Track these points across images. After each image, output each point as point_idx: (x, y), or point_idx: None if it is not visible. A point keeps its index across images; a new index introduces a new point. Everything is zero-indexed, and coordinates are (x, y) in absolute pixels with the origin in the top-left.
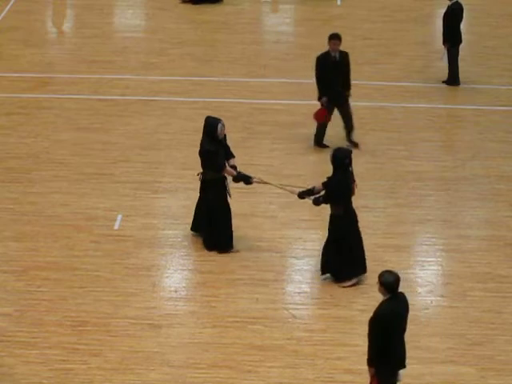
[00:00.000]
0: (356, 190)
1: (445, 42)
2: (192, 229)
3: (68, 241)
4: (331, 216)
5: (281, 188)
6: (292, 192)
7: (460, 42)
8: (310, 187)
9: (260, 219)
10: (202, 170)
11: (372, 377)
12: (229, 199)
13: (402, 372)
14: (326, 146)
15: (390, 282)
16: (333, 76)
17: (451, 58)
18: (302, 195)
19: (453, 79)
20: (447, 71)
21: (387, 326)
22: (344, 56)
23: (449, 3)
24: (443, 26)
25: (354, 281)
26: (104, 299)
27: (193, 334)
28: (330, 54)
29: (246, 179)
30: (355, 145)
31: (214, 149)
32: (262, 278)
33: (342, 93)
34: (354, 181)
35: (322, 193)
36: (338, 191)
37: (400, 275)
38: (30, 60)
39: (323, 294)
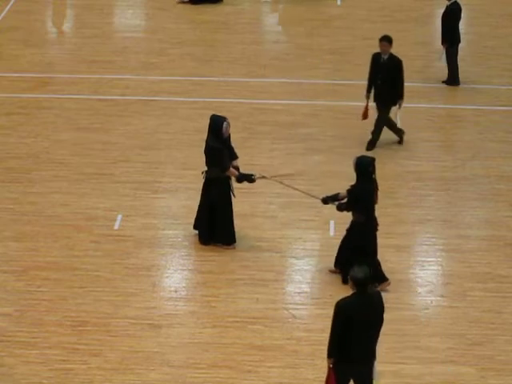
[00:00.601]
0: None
1: (443, 42)
2: (194, 227)
3: (68, 241)
4: (352, 222)
5: (305, 193)
6: (315, 197)
7: (459, 41)
8: (334, 193)
9: (260, 219)
10: (206, 169)
11: (328, 368)
12: (233, 198)
13: (377, 370)
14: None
15: (357, 278)
16: (378, 77)
17: (450, 58)
18: (327, 201)
19: (452, 79)
20: (447, 71)
21: (343, 319)
22: (394, 61)
23: (447, 3)
24: (442, 26)
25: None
26: (104, 299)
27: (193, 334)
28: (380, 55)
29: (248, 178)
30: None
31: (220, 147)
32: (262, 278)
33: (386, 96)
34: (378, 189)
35: (346, 200)
36: (360, 199)
37: (400, 275)
38: (30, 60)
39: (323, 294)
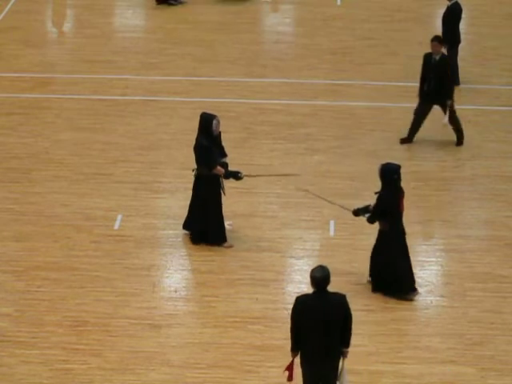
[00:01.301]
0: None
1: (444, 42)
2: (184, 227)
3: (68, 241)
4: (379, 231)
5: (338, 205)
6: (347, 209)
7: (459, 42)
8: (365, 205)
9: (260, 219)
10: (195, 166)
11: (290, 362)
12: (223, 196)
13: (345, 373)
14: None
15: (315, 277)
16: (429, 77)
17: (451, 59)
18: (358, 213)
19: (452, 79)
20: None
21: (294, 317)
22: (445, 61)
23: (448, 3)
24: (442, 26)
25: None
26: (104, 299)
27: (193, 334)
28: (431, 55)
29: (235, 175)
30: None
31: (208, 144)
32: (262, 278)
33: (439, 96)
34: (403, 196)
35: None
36: (385, 208)
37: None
38: (30, 60)
39: None
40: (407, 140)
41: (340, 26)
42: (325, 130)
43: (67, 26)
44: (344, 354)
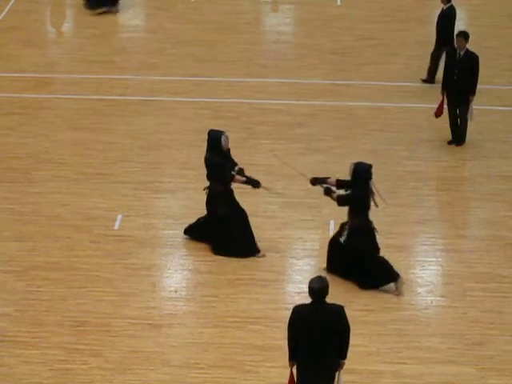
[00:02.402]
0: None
1: (438, 43)
2: (186, 232)
3: (68, 241)
4: (349, 227)
5: (293, 169)
6: (303, 175)
7: (451, 45)
8: (325, 176)
9: (260, 219)
10: (208, 184)
11: (289, 374)
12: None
13: (342, 379)
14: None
15: (313, 288)
16: (454, 73)
17: (436, 58)
18: (315, 182)
19: (430, 78)
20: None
21: (291, 327)
22: (470, 57)
23: (443, 7)
24: (436, 29)
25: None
26: (104, 299)
27: (193, 334)
28: (456, 51)
29: (254, 183)
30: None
31: (221, 162)
32: (262, 278)
33: (462, 93)
34: (373, 194)
35: (334, 188)
36: (357, 205)
37: (400, 275)
38: (30, 60)
39: None
40: (454, 142)
41: (340, 25)
42: (325, 130)
43: (67, 26)
44: (340, 366)
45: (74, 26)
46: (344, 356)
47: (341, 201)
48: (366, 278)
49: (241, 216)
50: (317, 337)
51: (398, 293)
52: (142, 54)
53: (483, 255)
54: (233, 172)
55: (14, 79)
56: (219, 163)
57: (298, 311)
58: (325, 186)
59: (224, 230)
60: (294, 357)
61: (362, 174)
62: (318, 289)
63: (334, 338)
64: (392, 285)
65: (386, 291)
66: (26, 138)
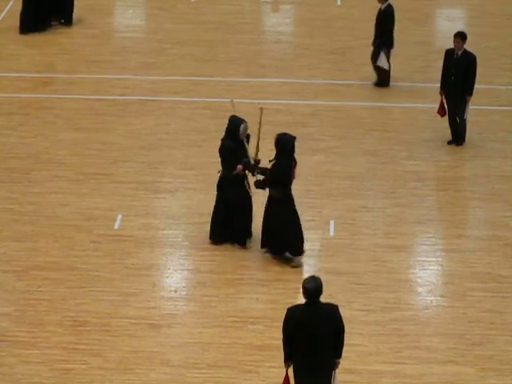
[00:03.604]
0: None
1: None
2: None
3: (68, 241)
4: (271, 198)
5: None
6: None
7: (391, 45)
8: (267, 167)
9: (260, 219)
10: (221, 168)
11: (285, 375)
12: (251, 194)
13: (337, 378)
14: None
15: (306, 288)
16: (451, 73)
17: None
18: (253, 168)
19: (381, 81)
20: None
21: (286, 328)
22: (468, 58)
23: (381, 6)
24: (375, 28)
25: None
26: (104, 299)
27: (193, 334)
28: (453, 51)
29: (252, 168)
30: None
31: (233, 147)
32: (261, 278)
33: (460, 93)
34: (296, 165)
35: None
36: (278, 176)
37: (400, 275)
38: (30, 60)
39: (322, 294)
40: (453, 142)
41: (340, 25)
42: (325, 130)
43: (67, 26)
44: (336, 365)
45: (74, 25)
46: (339, 355)
47: (264, 185)
48: (281, 245)
49: (244, 204)
50: (312, 337)
51: (294, 264)
52: (141, 54)
53: (483, 255)
54: (245, 159)
55: (13, 79)
56: (230, 148)
57: (293, 312)
58: (259, 176)
59: (226, 215)
60: (289, 358)
61: (284, 145)
62: (312, 289)
63: (329, 338)
64: (288, 254)
65: (386, 291)
66: (26, 138)
